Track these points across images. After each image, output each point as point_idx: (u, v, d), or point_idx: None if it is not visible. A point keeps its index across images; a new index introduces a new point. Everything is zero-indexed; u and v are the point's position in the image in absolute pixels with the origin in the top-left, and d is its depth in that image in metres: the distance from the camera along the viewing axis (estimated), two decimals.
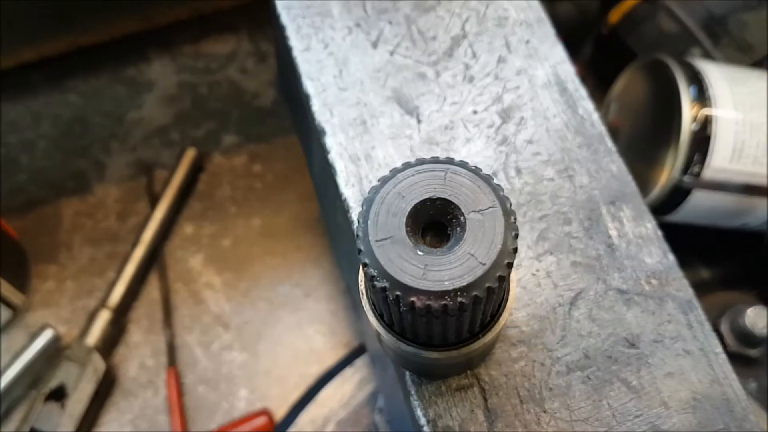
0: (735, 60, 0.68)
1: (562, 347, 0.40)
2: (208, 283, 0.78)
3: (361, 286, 0.32)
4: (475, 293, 0.27)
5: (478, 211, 0.28)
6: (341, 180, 0.44)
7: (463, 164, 0.29)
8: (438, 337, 0.31)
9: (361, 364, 0.75)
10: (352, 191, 0.44)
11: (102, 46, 0.86)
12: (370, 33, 0.48)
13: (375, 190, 0.28)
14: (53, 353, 0.71)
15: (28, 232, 0.78)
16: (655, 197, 0.61)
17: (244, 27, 0.90)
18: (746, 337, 0.57)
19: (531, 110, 0.46)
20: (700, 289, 0.43)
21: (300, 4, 0.49)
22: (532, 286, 0.41)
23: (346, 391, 0.74)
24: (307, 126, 0.51)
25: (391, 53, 0.48)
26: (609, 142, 0.46)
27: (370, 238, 0.27)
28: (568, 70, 0.48)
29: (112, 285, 0.74)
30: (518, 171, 0.45)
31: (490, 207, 0.28)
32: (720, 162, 0.58)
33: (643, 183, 0.58)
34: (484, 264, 0.27)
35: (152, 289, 0.77)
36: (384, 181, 0.29)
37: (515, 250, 0.28)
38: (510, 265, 0.27)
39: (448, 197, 0.28)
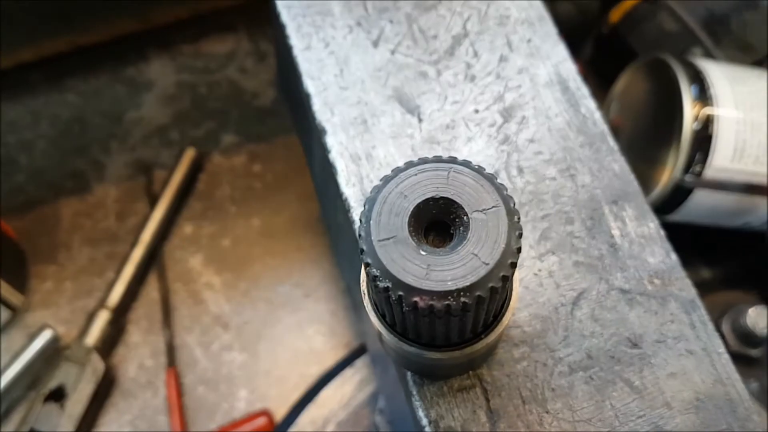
0: (736, 59, 0.67)
1: (564, 347, 0.40)
2: (208, 283, 0.78)
3: (363, 287, 0.32)
4: (478, 293, 0.26)
5: (481, 211, 0.27)
6: (342, 179, 0.44)
7: (466, 163, 0.28)
8: (440, 338, 0.30)
9: (361, 365, 0.75)
10: (352, 191, 0.44)
11: (101, 46, 0.86)
12: (371, 32, 0.48)
13: (377, 190, 0.28)
14: (52, 354, 0.70)
15: (27, 232, 0.77)
16: (656, 197, 0.61)
17: (243, 27, 0.90)
18: (748, 337, 0.57)
19: (533, 109, 0.46)
20: (702, 288, 0.43)
21: (300, 3, 0.49)
22: (534, 286, 0.41)
23: (347, 391, 0.74)
24: (307, 125, 0.51)
25: (392, 52, 0.48)
26: (611, 141, 0.45)
27: (372, 238, 0.27)
28: (570, 68, 0.47)
29: (111, 285, 0.74)
30: (520, 170, 0.44)
31: (493, 206, 0.27)
32: (721, 161, 0.58)
33: (644, 182, 0.57)
34: (487, 264, 0.26)
35: (151, 290, 0.77)
36: (386, 180, 0.28)
37: (519, 249, 0.27)
38: (514, 265, 0.27)
39: (451, 196, 0.28)
